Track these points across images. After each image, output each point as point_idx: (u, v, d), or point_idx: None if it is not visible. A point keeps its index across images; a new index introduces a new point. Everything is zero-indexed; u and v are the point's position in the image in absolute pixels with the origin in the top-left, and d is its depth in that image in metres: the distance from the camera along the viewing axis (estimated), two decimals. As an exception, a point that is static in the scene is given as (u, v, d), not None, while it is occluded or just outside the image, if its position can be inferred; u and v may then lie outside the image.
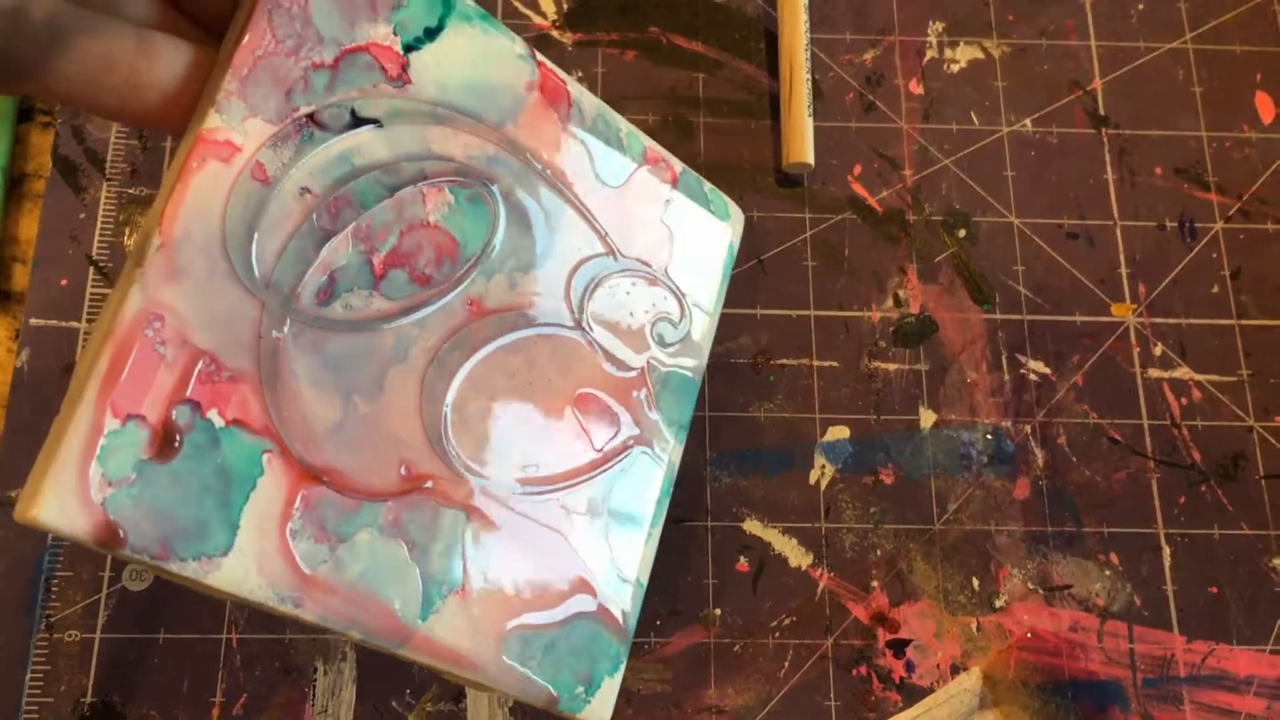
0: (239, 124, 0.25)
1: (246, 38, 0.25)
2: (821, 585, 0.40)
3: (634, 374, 0.31)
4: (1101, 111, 0.47)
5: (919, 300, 0.43)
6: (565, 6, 0.47)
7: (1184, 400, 0.43)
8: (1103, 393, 0.43)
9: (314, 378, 0.26)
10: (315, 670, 0.37)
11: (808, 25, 0.46)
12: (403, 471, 0.27)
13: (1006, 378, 0.43)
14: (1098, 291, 0.44)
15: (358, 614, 0.26)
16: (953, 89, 0.47)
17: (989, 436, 0.42)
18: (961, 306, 0.43)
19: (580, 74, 0.46)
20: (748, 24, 0.47)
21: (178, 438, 0.23)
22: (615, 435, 0.31)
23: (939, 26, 0.48)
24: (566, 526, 0.30)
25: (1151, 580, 0.40)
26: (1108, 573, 0.40)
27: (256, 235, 0.25)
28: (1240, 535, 0.41)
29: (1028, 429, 0.42)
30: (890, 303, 0.43)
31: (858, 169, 0.45)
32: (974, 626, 0.40)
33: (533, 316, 0.30)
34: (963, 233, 0.44)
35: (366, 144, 0.27)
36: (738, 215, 0.33)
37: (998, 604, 0.40)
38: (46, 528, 0.21)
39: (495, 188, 0.29)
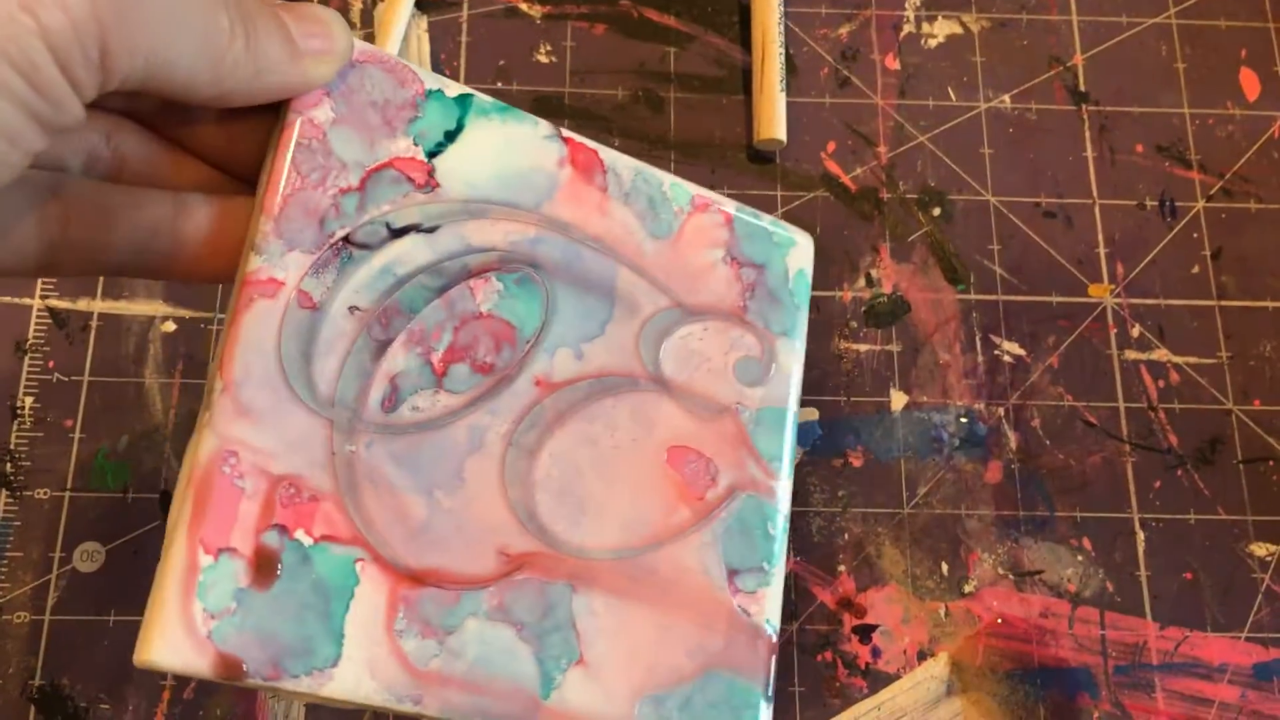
0: (279, 260, 0.26)
1: (274, 180, 0.26)
2: (787, 569, 0.39)
3: (723, 418, 0.31)
4: (1082, 88, 0.46)
5: (892, 280, 0.42)
6: (534, -22, 0.46)
7: (1161, 383, 0.42)
8: (1078, 375, 0.42)
9: (393, 482, 0.26)
10: (269, 653, 0.37)
11: (781, -2, 0.45)
12: (499, 556, 0.27)
13: (980, 359, 0.42)
14: (1075, 272, 0.43)
15: (478, 700, 0.26)
16: (930, 64, 0.46)
17: (961, 419, 0.41)
18: (935, 286, 0.43)
19: (549, 48, 0.45)
20: (720, -3, 0.46)
21: (270, 562, 0.24)
22: (715, 484, 0.30)
23: (917, 0, 0.47)
24: (682, 582, 0.29)
25: (1125, 566, 0.40)
26: (1080, 558, 0.39)
27: (313, 359, 0.26)
28: (1216, 520, 0.40)
29: (1001, 411, 0.41)
30: (862, 282, 0.42)
31: (831, 146, 0.44)
32: (942, 612, 0.39)
33: (605, 382, 0.29)
34: (937, 211, 0.43)
35: (406, 252, 0.27)
36: (805, 240, 0.33)
37: (967, 589, 0.39)
38: (165, 669, 0.23)
39: (542, 268, 0.29)
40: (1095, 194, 0.44)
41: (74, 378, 0.39)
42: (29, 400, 0.39)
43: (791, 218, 0.43)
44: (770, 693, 0.29)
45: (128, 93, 0.24)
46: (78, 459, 0.39)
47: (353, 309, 0.27)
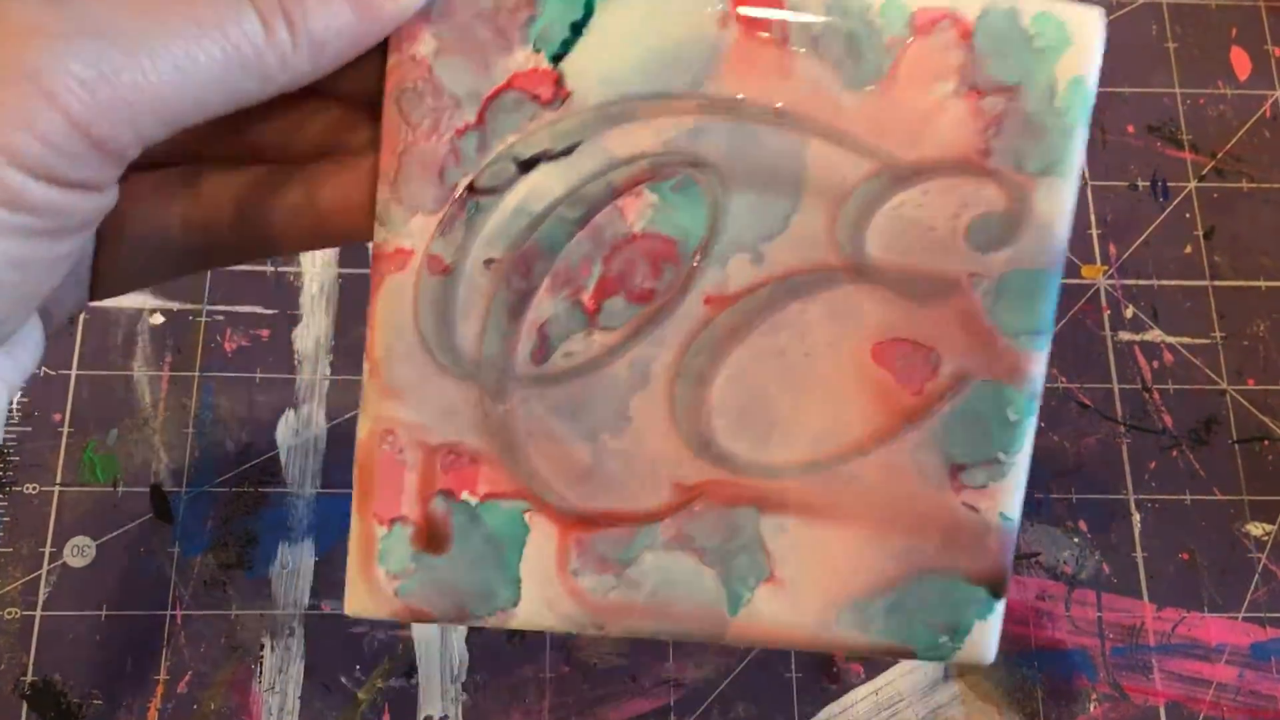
0: (403, 228, 0.24)
1: (386, 139, 0.24)
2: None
3: (950, 296, 0.25)
4: (1073, 69, 0.45)
5: (884, 263, 0.42)
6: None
7: (1155, 363, 0.42)
8: (1072, 356, 0.42)
9: (553, 433, 0.25)
10: (263, 647, 0.37)
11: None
12: (674, 488, 0.25)
13: (974, 342, 0.41)
14: (1067, 253, 0.43)
15: (661, 623, 0.26)
16: (920, 47, 0.45)
17: (955, 402, 0.41)
18: (928, 269, 0.42)
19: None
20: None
21: (441, 527, 0.25)
22: (936, 374, 0.25)
23: (906, -17, 0.46)
24: (888, 488, 0.25)
25: (1121, 547, 0.39)
26: (1076, 540, 0.39)
27: (454, 324, 0.25)
28: (1212, 501, 0.40)
29: (995, 394, 0.41)
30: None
31: (822, 129, 0.44)
32: (939, 596, 0.39)
33: (792, 285, 0.25)
34: (929, 194, 0.43)
35: (539, 185, 0.24)
36: (1088, 30, 0.25)
37: (963, 573, 0.39)
38: (364, 615, 0.25)
39: (706, 164, 0.25)
40: (1087, 175, 0.44)
41: (61, 371, 0.39)
42: (16, 395, 0.39)
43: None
44: (1004, 589, 0.25)
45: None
46: (67, 453, 0.38)
47: (488, 262, 0.24)
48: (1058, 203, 0.25)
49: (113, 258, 0.25)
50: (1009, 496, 0.25)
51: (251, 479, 0.38)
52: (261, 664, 0.36)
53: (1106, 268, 0.43)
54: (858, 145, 0.25)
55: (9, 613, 0.36)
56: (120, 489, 0.38)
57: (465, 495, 0.25)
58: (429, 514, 0.25)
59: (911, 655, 0.26)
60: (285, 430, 0.39)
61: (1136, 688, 0.38)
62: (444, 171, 0.24)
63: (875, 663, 0.38)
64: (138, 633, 0.36)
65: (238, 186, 0.25)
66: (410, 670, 0.37)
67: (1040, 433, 0.40)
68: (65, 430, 0.39)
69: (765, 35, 0.24)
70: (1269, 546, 0.40)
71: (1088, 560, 0.39)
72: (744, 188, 0.25)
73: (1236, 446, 0.41)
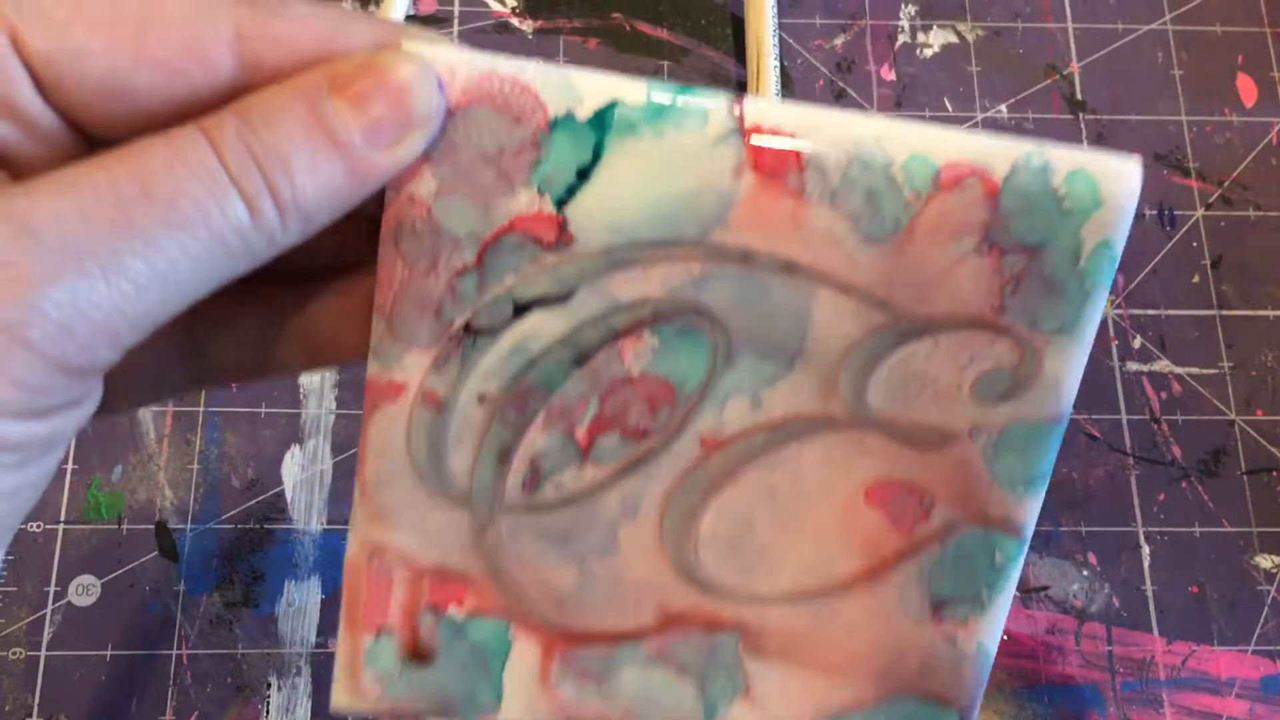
0: (397, 363, 0.24)
1: (383, 275, 0.23)
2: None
3: (949, 447, 0.25)
4: (1079, 96, 0.45)
5: (891, 294, 0.42)
6: (525, -7, 0.45)
7: (1164, 394, 0.42)
8: (1080, 387, 0.41)
9: (540, 557, 0.26)
10: (269, 686, 0.36)
11: (775, 10, 0.44)
12: (658, 611, 0.26)
13: (981, 373, 0.41)
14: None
15: None
16: (926, 74, 0.45)
17: (964, 434, 0.41)
18: (935, 300, 0.42)
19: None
20: (714, 9, 0.46)
21: (427, 641, 0.26)
22: (928, 519, 0.25)
23: (911, 9, 0.46)
24: (871, 622, 0.25)
25: (1130, 580, 0.39)
26: (1085, 573, 0.39)
27: (446, 454, 0.25)
28: (1222, 533, 0.40)
29: (1003, 426, 0.41)
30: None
31: (828, 158, 0.44)
32: (948, 631, 0.39)
33: (789, 429, 0.25)
34: (936, 223, 0.43)
35: (538, 326, 0.24)
36: (1120, 187, 0.24)
37: (972, 607, 0.39)
38: (354, 712, 0.26)
39: (710, 312, 0.24)
40: (1094, 204, 0.44)
41: (65, 408, 0.39)
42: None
43: (789, 232, 0.42)
44: (970, 715, 0.25)
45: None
46: (70, 491, 0.38)
47: (482, 398, 0.24)
48: (1068, 362, 0.24)
49: (108, 388, 0.23)
50: (988, 629, 0.26)
51: (257, 515, 0.38)
52: (268, 703, 0.36)
53: (1114, 298, 0.43)
54: (867, 298, 0.24)
55: (14, 653, 0.36)
56: (125, 527, 0.38)
57: (451, 610, 0.25)
58: (415, 627, 0.26)
59: None
60: (291, 466, 0.39)
61: (1147, 723, 0.38)
62: (440, 309, 0.24)
63: (885, 699, 0.38)
64: (143, 672, 0.36)
65: (236, 315, 0.25)
66: (418, 709, 0.36)
67: (1049, 465, 0.40)
68: (69, 467, 0.38)
69: (780, 189, 0.23)
70: (1278, 579, 0.40)
71: (1097, 594, 0.39)
72: (747, 337, 0.24)
73: (1245, 477, 0.41)
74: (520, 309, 0.24)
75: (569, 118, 0.22)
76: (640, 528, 0.25)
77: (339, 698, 0.26)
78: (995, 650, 0.26)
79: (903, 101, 0.45)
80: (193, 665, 0.36)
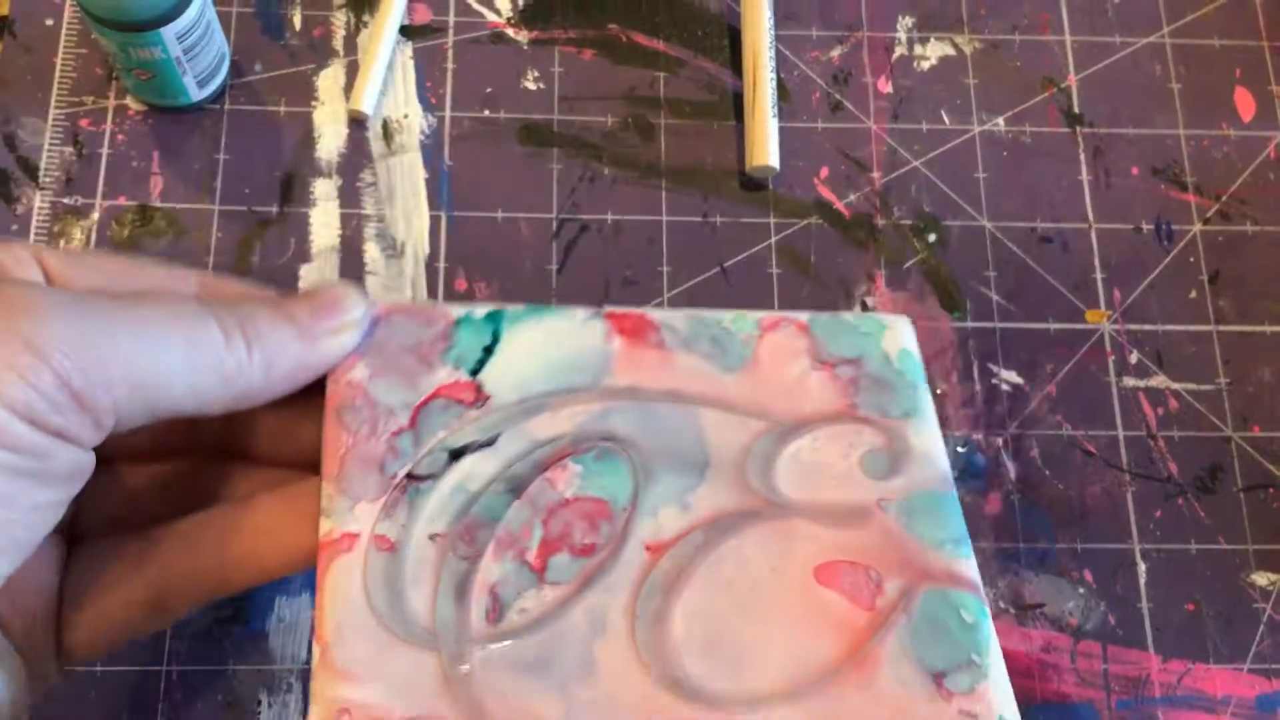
0: (348, 515, 0.26)
1: (328, 446, 0.27)
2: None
3: (868, 521, 0.28)
4: (1076, 109, 0.45)
5: (887, 308, 0.42)
6: (520, 3, 0.45)
7: (1160, 410, 0.41)
8: (1077, 403, 0.41)
9: (519, 689, 0.25)
10: (259, 703, 0.36)
11: (772, 22, 0.44)
12: None
13: (978, 388, 0.41)
14: (1072, 298, 0.43)
15: None
16: (923, 87, 0.45)
17: (960, 449, 0.40)
18: (931, 314, 0.42)
19: (536, 74, 0.44)
20: (710, 20, 0.45)
21: None
22: (882, 590, 0.27)
23: (909, 21, 0.46)
24: (879, 707, 0.26)
25: (1126, 598, 0.39)
26: (1081, 590, 0.39)
27: (404, 594, 0.26)
28: (1218, 550, 0.40)
29: (999, 441, 0.41)
30: (858, 311, 0.42)
31: (824, 171, 0.44)
32: (943, 648, 0.38)
33: (721, 525, 0.27)
34: (933, 237, 0.43)
35: (472, 468, 0.27)
36: (899, 321, 0.31)
37: (968, 624, 0.39)
38: None
39: (618, 438, 0.28)
40: (1091, 218, 0.44)
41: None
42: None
43: (785, 246, 0.42)
44: None
45: (178, 428, 0.27)
46: (60, 505, 0.38)
47: (433, 536, 0.26)
48: (928, 437, 0.29)
49: (78, 623, 0.27)
50: (1000, 697, 0.26)
51: (248, 530, 0.38)
52: (258, 720, 0.36)
53: (1111, 312, 0.42)
54: (744, 411, 0.29)
55: (1, 669, 0.36)
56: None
57: None
58: None
59: None
60: (282, 480, 0.39)
61: (1142, 741, 0.38)
62: (383, 465, 0.27)
63: None
64: (132, 689, 0.36)
65: (189, 528, 0.28)
66: (409, 726, 0.36)
67: (1045, 481, 0.39)
68: (59, 481, 0.38)
69: (644, 345, 0.29)
70: (1274, 597, 0.39)
71: (1093, 611, 0.39)
72: (657, 454, 0.28)
73: (1242, 494, 0.41)
74: (454, 455, 0.27)
75: (468, 317, 0.29)
76: (614, 643, 0.26)
77: None
78: (1013, 717, 0.26)
79: (900, 114, 0.44)
80: (182, 682, 0.36)
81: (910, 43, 0.46)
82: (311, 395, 0.28)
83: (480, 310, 0.29)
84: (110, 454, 0.29)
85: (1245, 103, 0.46)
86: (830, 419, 0.29)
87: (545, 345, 0.29)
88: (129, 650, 0.36)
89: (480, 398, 0.28)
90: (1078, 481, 0.40)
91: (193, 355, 0.24)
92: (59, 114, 0.42)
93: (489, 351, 0.29)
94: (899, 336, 0.30)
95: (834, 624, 0.26)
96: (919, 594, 0.27)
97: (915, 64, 0.45)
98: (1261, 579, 0.40)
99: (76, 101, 0.42)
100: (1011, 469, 0.40)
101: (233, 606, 0.37)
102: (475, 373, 0.29)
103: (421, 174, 0.42)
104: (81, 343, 0.22)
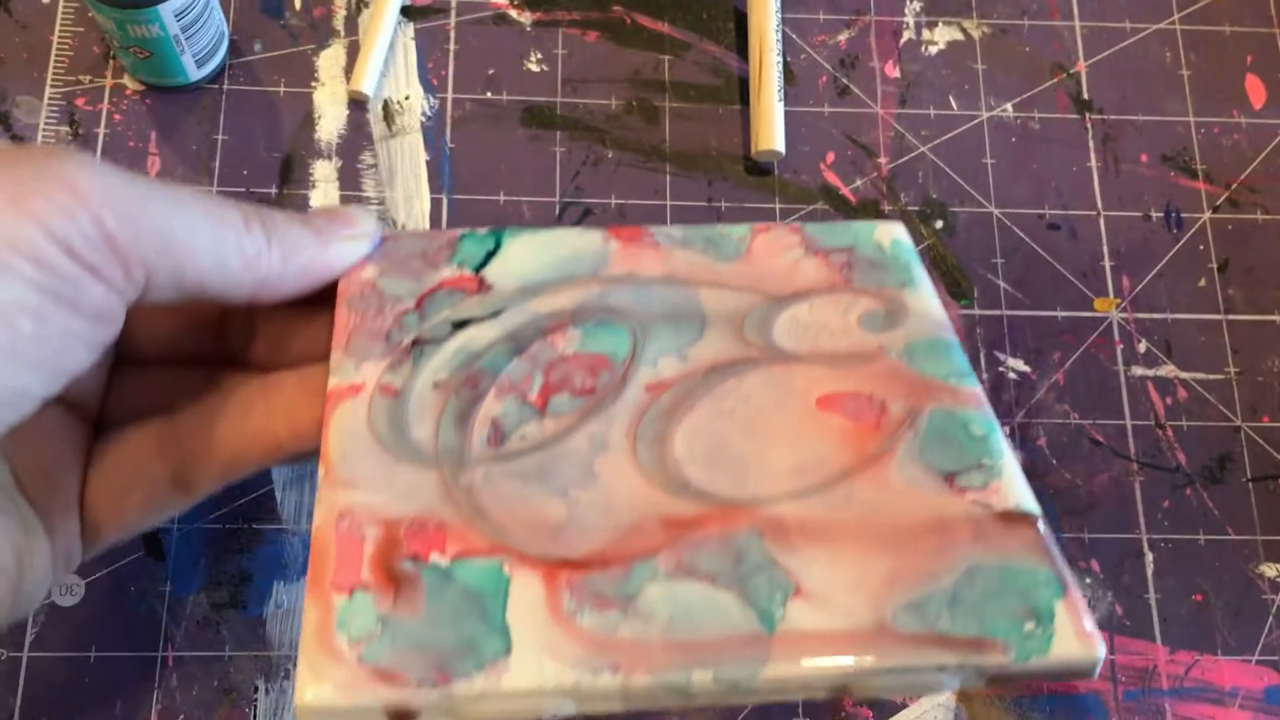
0: (354, 371, 0.27)
1: (338, 325, 0.28)
2: (790, 596, 0.38)
3: (870, 362, 0.28)
4: (1085, 96, 0.45)
5: (894, 295, 0.41)
6: (524, -16, 0.44)
7: (1169, 399, 0.41)
8: (1084, 392, 0.41)
9: (521, 496, 0.25)
10: (256, 689, 0.36)
11: (779, 5, 0.43)
12: (663, 525, 0.24)
13: (985, 376, 0.41)
14: (1080, 285, 0.42)
15: (692, 651, 0.22)
16: (930, 72, 0.45)
17: (966, 438, 0.40)
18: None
19: (539, 56, 0.43)
20: (716, 3, 0.45)
21: (410, 586, 0.23)
22: (887, 411, 0.27)
23: (916, 6, 0.45)
24: (890, 500, 0.25)
25: (1134, 588, 0.39)
26: (1088, 580, 0.39)
27: (407, 429, 0.26)
28: (1226, 540, 0.39)
29: (1007, 430, 0.40)
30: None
31: (830, 157, 0.43)
32: (949, 638, 0.38)
33: (722, 371, 0.27)
34: (940, 224, 0.42)
35: (475, 333, 0.28)
36: (891, 223, 0.31)
37: (974, 614, 0.38)
38: (320, 707, 0.21)
39: (618, 311, 0.29)
40: (1100, 205, 0.43)
41: (50, 403, 0.38)
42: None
43: (791, 231, 0.42)
44: (1063, 570, 0.24)
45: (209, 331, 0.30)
46: (55, 488, 0.37)
47: (436, 384, 0.27)
48: (926, 299, 0.29)
49: (103, 500, 0.29)
50: (1017, 491, 0.25)
51: (246, 515, 0.37)
52: (255, 707, 0.35)
53: (1119, 300, 0.42)
54: (740, 289, 0.29)
55: (-5, 654, 0.35)
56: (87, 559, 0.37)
57: (434, 557, 0.23)
58: (396, 574, 0.23)
59: (1001, 652, 0.22)
60: (280, 465, 0.38)
61: (1149, 733, 0.37)
62: (389, 336, 0.28)
63: (884, 707, 0.37)
64: (128, 674, 0.35)
65: (208, 403, 0.30)
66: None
67: (1052, 470, 0.39)
68: (54, 464, 0.37)
69: (640, 245, 0.30)
70: (1283, 588, 0.39)
71: (1100, 601, 0.38)
72: (655, 319, 0.28)
73: (1250, 485, 0.40)
74: (458, 325, 0.28)
75: (471, 233, 0.30)
76: (615, 458, 0.26)
77: (304, 687, 0.21)
78: (1040, 512, 0.25)
79: (907, 99, 0.44)
80: (179, 668, 0.36)
81: (918, 27, 0.45)
82: (326, 319, 0.29)
83: (483, 231, 0.30)
84: (138, 352, 0.31)
85: (1256, 90, 0.45)
86: (825, 290, 0.29)
87: (545, 247, 0.30)
88: (124, 635, 0.36)
89: (484, 288, 0.29)
90: (1085, 471, 0.40)
91: (216, 232, 0.25)
92: (55, 93, 0.41)
93: (491, 256, 0.30)
94: (891, 230, 0.31)
95: (840, 440, 0.26)
96: (925, 413, 0.27)
97: (923, 48, 0.45)
98: (1270, 570, 0.39)
99: (73, 80, 0.41)
100: (1019, 457, 0.40)
101: (231, 592, 0.36)
102: (479, 270, 0.29)
103: (423, 156, 0.42)
104: (118, 194, 0.23)
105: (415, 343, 0.27)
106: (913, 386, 0.27)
